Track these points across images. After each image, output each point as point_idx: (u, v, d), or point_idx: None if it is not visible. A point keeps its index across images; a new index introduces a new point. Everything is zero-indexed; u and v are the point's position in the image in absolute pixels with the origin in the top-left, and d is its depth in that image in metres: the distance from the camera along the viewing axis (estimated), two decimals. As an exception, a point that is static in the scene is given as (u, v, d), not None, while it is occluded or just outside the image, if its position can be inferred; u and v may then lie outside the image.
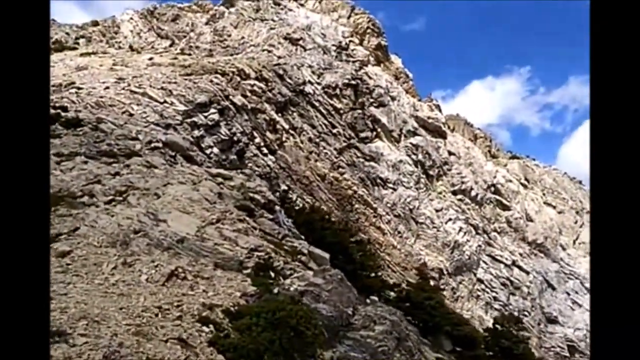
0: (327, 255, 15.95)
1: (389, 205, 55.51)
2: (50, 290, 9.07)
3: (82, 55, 47.02)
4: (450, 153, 61.72)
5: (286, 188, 40.70)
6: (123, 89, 34.37)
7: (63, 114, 26.17)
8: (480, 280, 61.64)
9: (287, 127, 45.24)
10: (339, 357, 10.32)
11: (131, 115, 30.84)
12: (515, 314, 59.94)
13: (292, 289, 11.13)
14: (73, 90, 32.93)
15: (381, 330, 10.64)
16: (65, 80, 35.74)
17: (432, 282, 49.27)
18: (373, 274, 19.99)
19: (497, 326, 21.89)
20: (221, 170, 20.98)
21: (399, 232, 55.90)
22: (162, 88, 35.45)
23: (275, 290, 11.07)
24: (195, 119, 34.05)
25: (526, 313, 60.89)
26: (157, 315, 8.22)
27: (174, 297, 9.36)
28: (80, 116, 26.58)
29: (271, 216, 17.18)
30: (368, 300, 14.14)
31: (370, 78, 54.20)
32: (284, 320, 8.86)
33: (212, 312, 8.86)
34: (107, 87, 34.13)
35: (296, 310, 9.21)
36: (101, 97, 32.09)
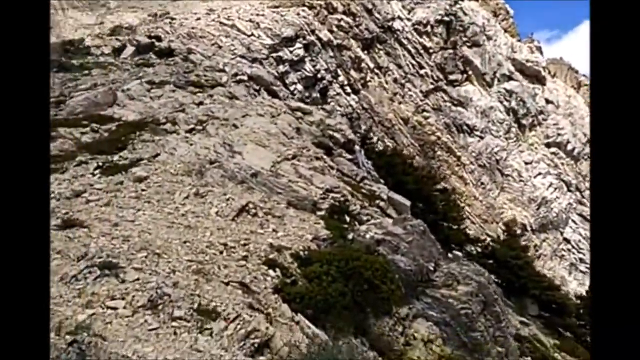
0: (407, 203, 14.75)
1: (474, 154, 52.81)
2: (119, 216, 8.77)
3: (176, -16, 47.21)
4: (547, 101, 56.75)
5: (367, 130, 39.42)
6: (213, 20, 34.39)
7: (157, 43, 26.85)
8: (566, 240, 58.07)
9: (372, 66, 43.27)
10: (415, 315, 9.38)
11: (220, 47, 31.05)
12: (602, 278, 56.08)
13: (367, 236, 10.19)
14: (167, 20, 33.55)
15: (465, 292, 9.51)
16: (161, 10, 36.40)
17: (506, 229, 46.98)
18: (456, 227, 18.58)
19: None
20: (301, 104, 20.09)
21: (482, 184, 53.36)
22: (250, 20, 34.95)
23: (350, 236, 10.18)
24: (280, 53, 33.45)
25: (614, 279, 56.84)
26: (221, 252, 7.61)
27: (241, 234, 8.73)
28: (173, 46, 27.22)
29: (350, 156, 16.14)
30: (450, 255, 12.95)
31: (465, 14, 49.97)
32: (358, 271, 7.98)
33: (280, 254, 8.13)
34: (199, 18, 34.36)
35: (372, 262, 8.29)
36: (192, 28, 32.50)
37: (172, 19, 33.95)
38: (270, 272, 7.45)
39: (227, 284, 6.49)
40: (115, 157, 13.46)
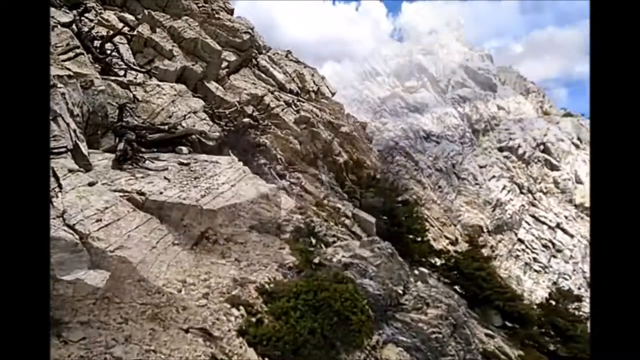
0: (373, 220, 14.45)
1: (431, 158, 53.69)
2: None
3: None
4: (499, 107, 58.49)
5: (327, 139, 39.26)
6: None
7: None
8: (520, 241, 59.87)
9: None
10: (385, 341, 9.05)
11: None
12: (555, 277, 58.21)
13: (334, 259, 9.79)
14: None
15: (435, 315, 9.26)
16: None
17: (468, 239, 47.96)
18: (419, 239, 18.46)
19: (552, 302, 20.20)
20: (260, 119, 19.45)
21: (440, 187, 54.34)
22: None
23: (316, 260, 9.75)
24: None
25: (567, 277, 58.98)
26: (180, 291, 6.99)
27: (202, 266, 8.12)
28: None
29: (314, 171, 15.70)
30: (416, 272, 12.70)
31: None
32: (327, 303, 7.55)
33: (244, 289, 7.59)
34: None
35: (341, 291, 7.88)
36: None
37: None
38: (234, 310, 6.89)
39: (186, 331, 5.91)
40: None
